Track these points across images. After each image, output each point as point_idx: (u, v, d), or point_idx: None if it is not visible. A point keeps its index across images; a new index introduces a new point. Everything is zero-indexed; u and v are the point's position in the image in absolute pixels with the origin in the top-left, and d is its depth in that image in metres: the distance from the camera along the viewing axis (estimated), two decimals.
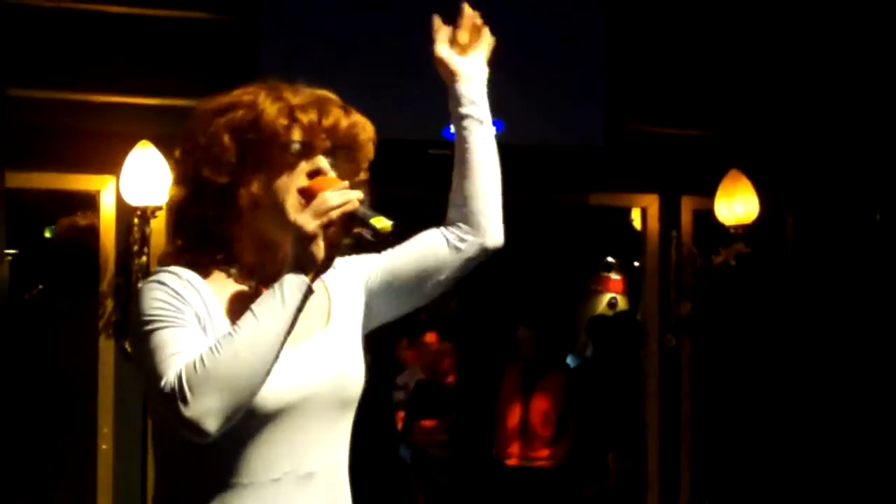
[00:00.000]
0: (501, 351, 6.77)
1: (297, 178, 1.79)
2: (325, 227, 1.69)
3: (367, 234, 1.74)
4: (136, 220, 4.12)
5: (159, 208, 4.10)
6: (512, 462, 5.57)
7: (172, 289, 1.73)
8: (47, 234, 8.13)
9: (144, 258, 4.15)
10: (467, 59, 2.21)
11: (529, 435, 5.98)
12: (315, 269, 1.70)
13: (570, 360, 7.33)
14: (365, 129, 1.91)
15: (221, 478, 1.73)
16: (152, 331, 1.68)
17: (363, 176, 1.93)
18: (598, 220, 7.11)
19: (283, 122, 1.78)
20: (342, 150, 1.87)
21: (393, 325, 2.10)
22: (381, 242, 1.78)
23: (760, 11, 4.98)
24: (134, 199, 4.07)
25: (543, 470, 5.79)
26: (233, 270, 1.83)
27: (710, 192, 4.78)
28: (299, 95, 1.84)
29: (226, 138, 1.79)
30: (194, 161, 1.81)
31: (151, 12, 4.32)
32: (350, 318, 1.94)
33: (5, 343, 4.42)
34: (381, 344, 5.72)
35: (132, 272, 4.15)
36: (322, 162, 1.81)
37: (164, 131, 4.20)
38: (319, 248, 1.70)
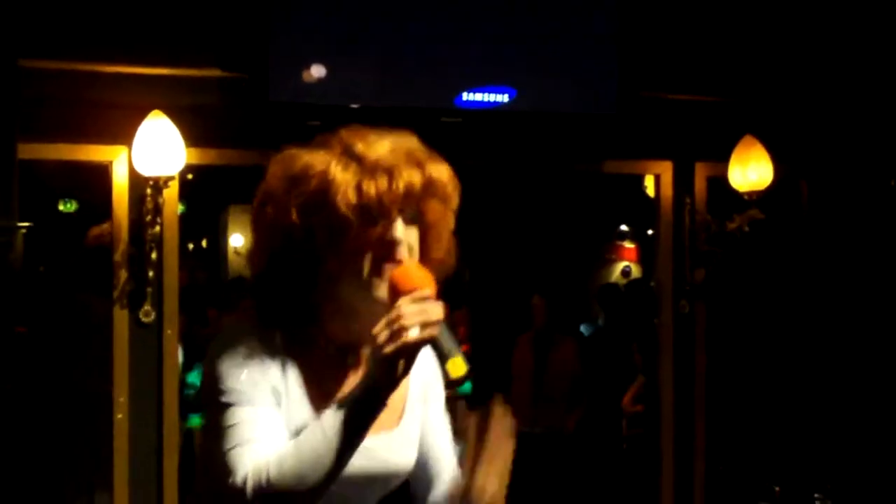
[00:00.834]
0: (515, 319, 6.79)
1: (369, 252, 1.72)
2: (397, 352, 1.64)
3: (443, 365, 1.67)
4: (148, 191, 4.12)
5: (172, 178, 4.11)
6: (525, 428, 5.58)
7: (250, 358, 1.72)
8: (61, 208, 8.19)
9: (157, 228, 4.16)
10: None
11: (543, 402, 6.01)
12: (392, 388, 1.66)
13: (583, 329, 7.35)
14: (443, 182, 1.78)
15: None
16: (228, 405, 1.69)
17: (450, 224, 1.83)
18: (612, 188, 7.10)
19: (352, 199, 1.69)
20: (424, 202, 1.77)
21: None
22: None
23: None
24: (146, 170, 4.07)
25: (557, 436, 5.82)
26: (316, 336, 1.79)
27: (724, 159, 4.76)
28: (373, 149, 1.72)
29: (294, 216, 1.72)
30: (268, 230, 1.76)
31: None
32: (418, 414, 1.92)
33: (20, 316, 4.44)
34: None
35: (145, 242, 4.16)
36: (397, 231, 1.72)
37: (176, 101, 4.21)
38: (398, 368, 1.66)
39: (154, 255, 4.19)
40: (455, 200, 1.81)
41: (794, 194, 5.15)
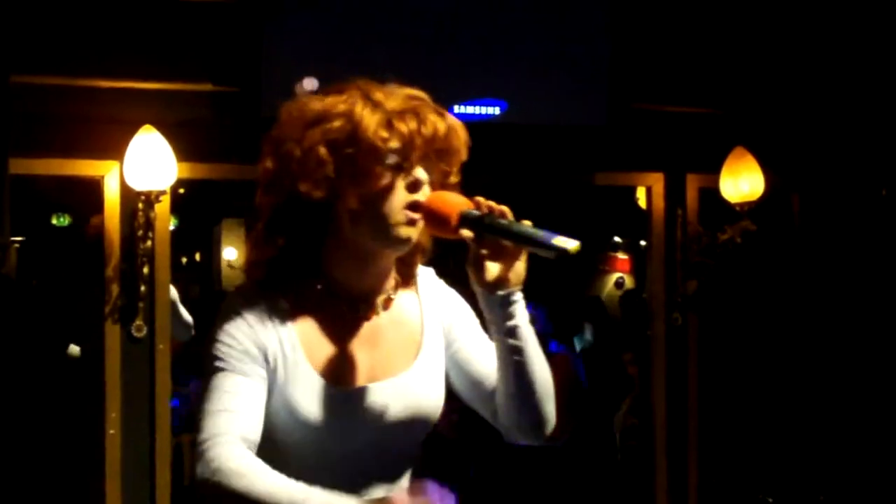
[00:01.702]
0: None
1: (398, 191, 1.74)
2: (481, 243, 1.71)
3: (545, 254, 1.68)
4: (140, 205, 4.12)
5: (163, 192, 4.11)
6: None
7: (248, 324, 1.75)
8: (54, 222, 8.18)
9: (149, 243, 4.15)
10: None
11: None
12: (518, 285, 1.76)
13: (576, 341, 7.35)
14: (460, 133, 1.82)
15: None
16: (214, 370, 1.73)
17: (455, 179, 1.85)
18: (604, 200, 7.11)
19: (383, 133, 1.72)
20: (437, 154, 1.80)
21: None
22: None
23: None
24: (138, 184, 4.07)
25: (549, 448, 5.81)
26: (319, 287, 1.81)
27: (716, 170, 4.77)
28: (393, 98, 1.77)
29: (322, 151, 1.72)
30: (288, 174, 1.75)
31: None
32: (437, 354, 1.91)
33: (13, 328, 4.43)
34: None
35: (137, 256, 4.16)
36: (421, 174, 1.76)
37: (168, 116, 4.21)
38: (521, 266, 1.75)
39: (146, 270, 4.18)
40: (465, 153, 1.84)
41: (785, 205, 5.16)
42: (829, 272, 5.13)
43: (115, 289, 4.21)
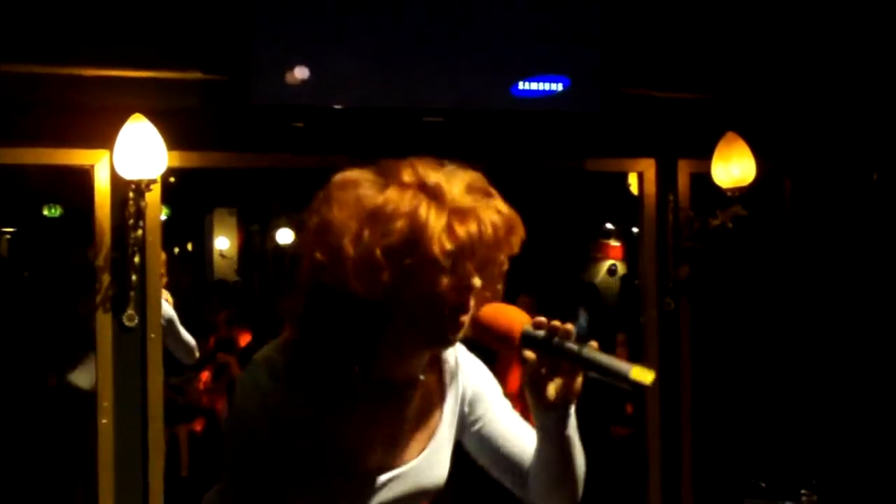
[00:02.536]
0: None
1: (449, 293, 1.66)
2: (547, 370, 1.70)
3: (618, 385, 1.65)
4: (130, 194, 4.11)
5: (154, 181, 4.09)
6: None
7: (277, 428, 1.69)
8: (45, 213, 8.15)
9: (140, 232, 4.14)
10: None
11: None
12: (575, 400, 1.75)
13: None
14: (517, 230, 1.72)
15: None
16: (236, 470, 1.72)
17: (505, 268, 1.78)
18: (596, 186, 7.10)
19: (447, 245, 1.61)
20: (491, 252, 1.71)
21: None
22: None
23: None
24: (128, 173, 4.06)
25: None
26: (357, 371, 1.73)
27: (707, 156, 4.77)
28: (454, 186, 1.66)
29: (380, 257, 1.61)
30: (341, 270, 1.64)
31: None
32: (451, 432, 1.91)
33: (4, 319, 4.43)
34: None
35: (128, 246, 4.15)
36: (477, 281, 1.68)
37: (158, 104, 4.19)
38: (579, 382, 1.73)
39: (137, 259, 4.17)
40: (517, 247, 1.74)
41: (776, 190, 5.16)
42: (820, 257, 5.13)
43: (105, 278, 4.19)
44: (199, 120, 4.30)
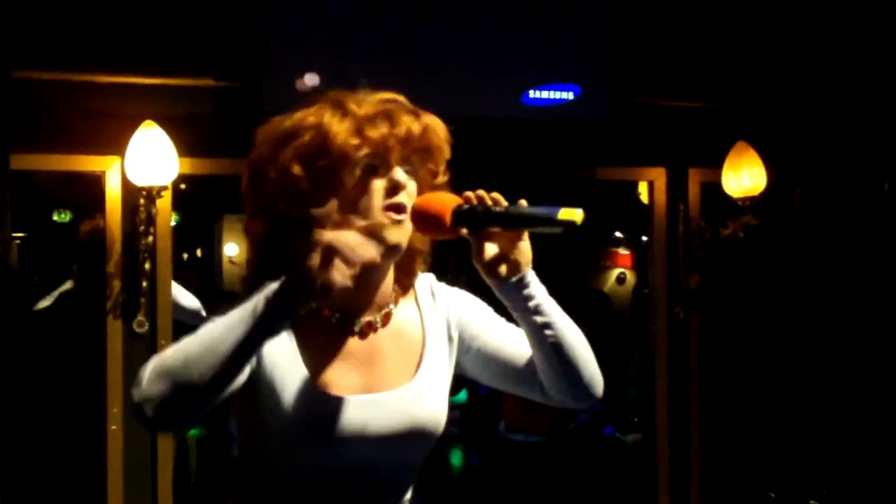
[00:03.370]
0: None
1: (377, 196, 1.70)
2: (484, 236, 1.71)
3: (551, 230, 1.66)
4: (141, 201, 4.12)
5: (165, 188, 4.10)
6: (518, 435, 5.57)
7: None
8: (55, 218, 8.17)
9: (150, 238, 4.15)
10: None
11: (535, 409, 5.98)
12: (528, 265, 1.74)
13: None
14: (438, 131, 1.79)
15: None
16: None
17: (444, 178, 1.83)
18: (606, 195, 7.10)
19: (353, 141, 1.69)
20: (418, 155, 1.76)
21: None
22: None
23: None
24: (139, 180, 4.07)
25: (551, 441, 5.80)
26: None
27: (718, 165, 4.76)
28: (364, 105, 1.73)
29: (296, 168, 1.70)
30: (267, 195, 1.73)
31: None
32: (441, 366, 1.87)
33: (14, 326, 4.43)
34: None
35: (138, 252, 4.16)
36: (399, 175, 1.72)
37: (169, 111, 4.20)
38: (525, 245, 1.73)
39: (147, 266, 4.18)
40: (447, 150, 1.81)
41: (787, 199, 5.15)
42: (830, 267, 5.12)
43: (116, 285, 4.20)
44: (210, 127, 4.31)
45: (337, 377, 1.76)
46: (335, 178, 1.70)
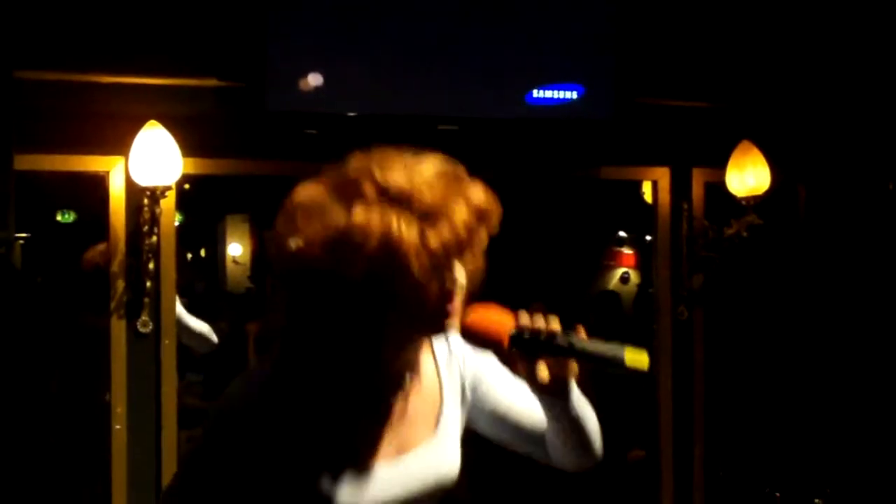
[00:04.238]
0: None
1: (433, 290, 1.63)
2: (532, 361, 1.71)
3: (612, 371, 1.64)
4: (145, 201, 4.12)
5: (169, 188, 4.10)
6: None
7: (254, 441, 1.68)
8: (59, 219, 8.16)
9: (154, 238, 4.15)
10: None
11: None
12: (574, 378, 1.77)
13: None
14: (491, 214, 1.70)
15: None
16: (200, 453, 1.74)
17: (486, 240, 1.73)
18: (609, 195, 7.09)
19: (425, 261, 1.58)
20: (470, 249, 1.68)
21: None
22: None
23: None
24: (143, 180, 4.07)
25: None
26: (349, 364, 1.72)
27: (722, 164, 4.76)
28: (422, 186, 1.60)
29: (359, 269, 1.58)
30: (319, 281, 1.62)
31: None
32: (456, 419, 1.89)
33: (18, 326, 4.43)
34: None
35: (142, 252, 4.16)
36: (461, 277, 1.68)
37: (173, 111, 4.20)
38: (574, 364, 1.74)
39: (151, 266, 4.18)
40: (496, 225, 1.72)
41: (791, 199, 5.14)
42: (835, 266, 5.11)
43: (120, 284, 4.20)
44: (214, 127, 4.31)
45: (369, 444, 1.76)
46: (395, 287, 1.61)
